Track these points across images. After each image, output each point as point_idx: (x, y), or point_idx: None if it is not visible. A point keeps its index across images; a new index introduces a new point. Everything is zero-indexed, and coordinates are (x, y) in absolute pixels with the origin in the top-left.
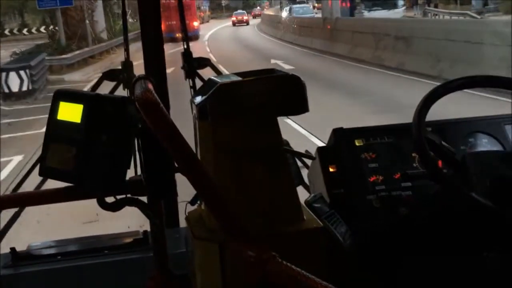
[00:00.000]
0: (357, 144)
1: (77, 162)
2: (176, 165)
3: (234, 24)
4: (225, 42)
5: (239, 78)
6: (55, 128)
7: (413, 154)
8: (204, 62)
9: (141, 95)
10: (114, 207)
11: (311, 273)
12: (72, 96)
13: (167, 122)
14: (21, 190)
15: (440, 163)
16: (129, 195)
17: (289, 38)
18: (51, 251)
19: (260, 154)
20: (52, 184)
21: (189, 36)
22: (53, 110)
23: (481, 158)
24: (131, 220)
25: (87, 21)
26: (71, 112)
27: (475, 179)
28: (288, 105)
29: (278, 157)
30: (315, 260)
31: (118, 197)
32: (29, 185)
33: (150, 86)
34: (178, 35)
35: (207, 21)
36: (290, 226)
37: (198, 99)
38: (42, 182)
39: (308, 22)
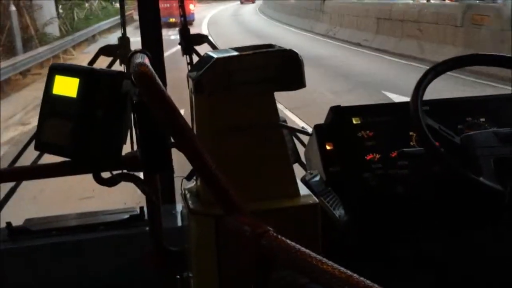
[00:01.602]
0: (354, 122)
1: (73, 136)
2: (172, 140)
3: (242, 2)
4: (228, 28)
5: (236, 53)
6: (51, 102)
7: (411, 133)
8: (202, 38)
9: (137, 68)
10: (110, 183)
11: (306, 249)
12: (68, 70)
13: (163, 95)
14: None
15: (437, 142)
16: (125, 171)
17: (287, 20)
18: (47, 226)
19: (257, 129)
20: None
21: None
22: (49, 84)
23: (480, 139)
24: (127, 197)
25: (12, 8)
26: (67, 86)
27: (476, 160)
28: (285, 80)
29: (274, 133)
30: (311, 236)
31: (114, 172)
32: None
33: (147, 59)
34: (172, 20)
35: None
36: (286, 202)
37: (195, 73)
38: (38, 157)
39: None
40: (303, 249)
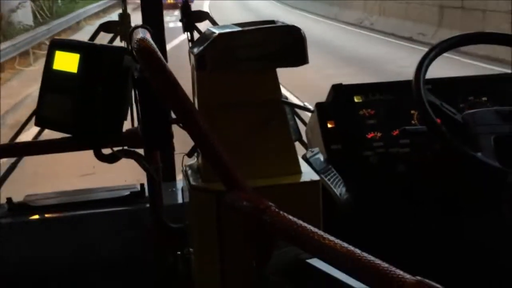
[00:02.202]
0: (356, 100)
1: (74, 112)
2: (173, 117)
3: None
4: (236, 17)
5: (238, 29)
6: (51, 77)
7: (412, 111)
8: (202, 15)
9: (138, 43)
10: (110, 159)
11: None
12: (68, 45)
13: (164, 70)
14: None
15: (439, 120)
16: (125, 147)
17: (303, 6)
18: (48, 202)
19: (258, 105)
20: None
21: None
22: (49, 59)
23: (482, 117)
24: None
25: None
26: (67, 62)
27: (477, 138)
28: (287, 56)
29: (276, 110)
30: (312, 213)
31: (115, 148)
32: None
33: (148, 35)
34: (170, 0)
35: None
36: (287, 178)
37: (196, 49)
38: (39, 133)
39: None
40: (304, 224)
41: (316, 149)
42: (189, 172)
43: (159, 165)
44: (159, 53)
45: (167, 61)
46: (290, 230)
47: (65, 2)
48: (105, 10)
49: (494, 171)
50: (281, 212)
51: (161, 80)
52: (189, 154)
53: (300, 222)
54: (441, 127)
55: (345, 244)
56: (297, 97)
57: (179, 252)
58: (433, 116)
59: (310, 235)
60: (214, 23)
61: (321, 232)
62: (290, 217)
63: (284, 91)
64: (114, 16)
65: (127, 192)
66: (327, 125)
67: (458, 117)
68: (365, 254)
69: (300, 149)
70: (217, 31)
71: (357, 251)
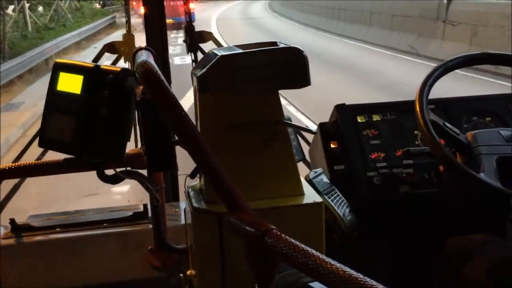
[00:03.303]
0: (359, 120)
1: (77, 133)
2: (176, 138)
3: None
4: (250, 37)
5: (241, 50)
6: (55, 99)
7: (416, 132)
8: (206, 35)
9: (141, 65)
10: (113, 180)
11: (309, 248)
12: (72, 67)
13: (167, 92)
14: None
15: (442, 141)
16: (128, 168)
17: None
18: (51, 222)
19: (261, 127)
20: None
21: (176, 23)
22: (53, 81)
23: (485, 138)
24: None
25: None
26: (71, 83)
27: (480, 159)
28: (289, 78)
29: (279, 131)
30: (314, 235)
31: (118, 169)
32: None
33: (151, 57)
34: (170, 21)
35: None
36: (290, 200)
37: (199, 71)
38: (42, 154)
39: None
40: (306, 247)
41: (319, 170)
42: (191, 193)
43: (162, 186)
44: (161, 75)
45: (170, 82)
46: (291, 253)
47: (37, 28)
48: (89, 38)
49: (496, 192)
50: (283, 235)
51: (163, 102)
52: (192, 175)
53: (302, 245)
54: (444, 148)
55: (347, 269)
56: None
57: (181, 274)
58: (436, 137)
59: (311, 258)
60: (218, 44)
61: (322, 256)
62: (292, 240)
63: (287, 111)
64: (99, 45)
65: (130, 213)
66: (330, 146)
67: (461, 138)
68: (366, 279)
69: (304, 169)
70: (219, 53)
71: (359, 275)
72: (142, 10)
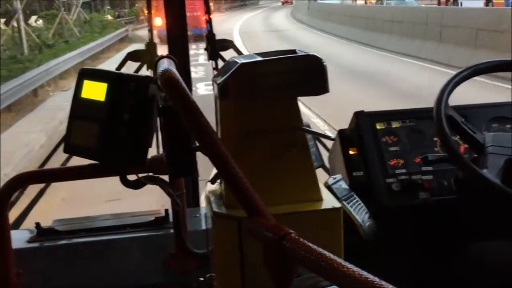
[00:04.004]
0: (378, 127)
1: (101, 139)
2: (197, 144)
3: (283, 3)
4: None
5: (260, 58)
6: (80, 106)
7: (435, 138)
8: (227, 44)
9: (163, 73)
10: (136, 185)
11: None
12: (96, 74)
13: (188, 100)
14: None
15: (462, 148)
16: (151, 174)
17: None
18: (75, 227)
19: (280, 134)
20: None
21: (199, 35)
22: (78, 88)
23: (501, 139)
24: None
25: None
26: (95, 91)
27: (490, 158)
28: (308, 86)
29: (297, 137)
30: (333, 240)
31: (140, 175)
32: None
33: (173, 65)
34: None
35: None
36: (309, 205)
37: (220, 78)
38: (67, 160)
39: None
40: (324, 251)
41: (339, 176)
42: (212, 198)
43: (183, 191)
44: (183, 83)
45: (191, 90)
46: (309, 257)
47: (37, 45)
48: (96, 56)
49: (494, 189)
50: (301, 239)
51: (185, 109)
52: (212, 181)
53: (320, 249)
54: (462, 155)
55: (365, 273)
56: None
57: (201, 278)
58: (446, 129)
59: (329, 262)
60: (238, 52)
61: (340, 260)
62: (310, 244)
63: (306, 118)
64: (105, 66)
65: (151, 218)
66: (349, 152)
67: (477, 136)
68: (384, 283)
69: (323, 176)
70: (239, 60)
71: (376, 279)
72: (157, 21)
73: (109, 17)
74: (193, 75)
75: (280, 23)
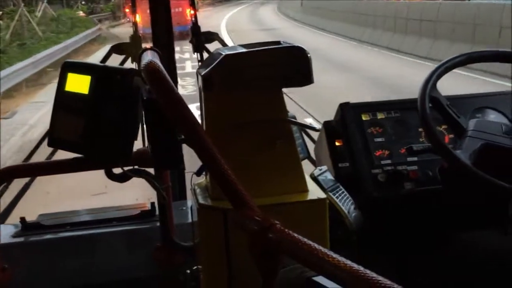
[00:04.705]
0: (363, 118)
1: (85, 133)
2: (182, 136)
3: None
4: None
5: (245, 50)
6: (63, 99)
7: (420, 129)
8: (212, 36)
9: (147, 65)
10: (121, 178)
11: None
12: (80, 67)
13: (172, 92)
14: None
15: (447, 138)
16: (136, 167)
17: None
18: (60, 221)
19: (265, 125)
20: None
21: (181, 32)
22: (61, 81)
23: (482, 125)
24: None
25: None
26: (79, 83)
27: (467, 140)
28: (293, 77)
29: (283, 129)
30: (318, 231)
31: (126, 168)
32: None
33: (157, 57)
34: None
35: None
36: (294, 197)
37: (204, 70)
38: (52, 153)
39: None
40: (308, 242)
41: (324, 167)
42: (198, 190)
43: (168, 184)
44: (166, 75)
45: (177, 82)
46: (294, 247)
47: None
48: (60, 62)
49: (460, 167)
50: (286, 230)
51: (169, 101)
52: (198, 173)
53: (305, 239)
54: (446, 144)
55: (349, 262)
56: None
57: (188, 271)
58: (428, 109)
59: (314, 252)
60: (223, 43)
61: (325, 250)
62: (295, 234)
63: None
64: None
65: (137, 211)
66: (335, 143)
67: (461, 121)
68: (368, 272)
69: (309, 167)
70: (223, 52)
71: (361, 268)
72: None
73: (81, 13)
74: (180, 90)
75: (271, 20)
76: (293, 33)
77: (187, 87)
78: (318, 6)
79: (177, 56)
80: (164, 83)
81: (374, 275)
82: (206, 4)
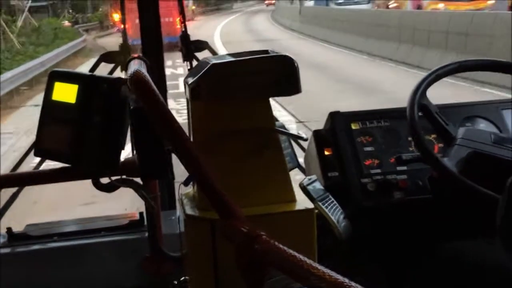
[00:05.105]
0: (353, 127)
1: (72, 142)
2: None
3: (267, 5)
4: None
5: (232, 59)
6: (50, 108)
7: (410, 138)
8: (202, 45)
9: (133, 74)
10: (109, 188)
11: (302, 254)
12: (67, 76)
13: (158, 101)
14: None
15: (436, 148)
16: (124, 176)
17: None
18: (48, 231)
19: (252, 134)
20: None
21: (172, 43)
22: (48, 90)
23: (471, 134)
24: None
25: None
26: (66, 93)
27: (455, 148)
28: (280, 86)
29: (270, 138)
30: (306, 241)
31: (113, 178)
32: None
33: (144, 66)
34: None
35: (191, 19)
36: (281, 207)
37: (191, 79)
38: (39, 163)
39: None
40: (294, 253)
41: (314, 177)
42: (185, 200)
43: (157, 194)
44: (152, 84)
45: (166, 91)
46: (280, 258)
47: None
48: (37, 81)
49: (447, 176)
50: (272, 241)
51: (154, 110)
52: (185, 183)
53: (290, 251)
54: (434, 153)
55: (334, 274)
56: None
57: (175, 282)
58: (416, 117)
59: (300, 264)
60: (213, 52)
61: (310, 261)
62: (280, 245)
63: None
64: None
65: (126, 221)
66: (324, 153)
67: (450, 129)
68: (352, 283)
69: (300, 177)
70: (211, 61)
71: (346, 280)
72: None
73: (67, 23)
74: (175, 115)
75: (267, 30)
76: (294, 45)
77: (183, 112)
78: (317, 15)
79: (169, 71)
80: (149, 93)
81: (357, 286)
82: (197, 14)
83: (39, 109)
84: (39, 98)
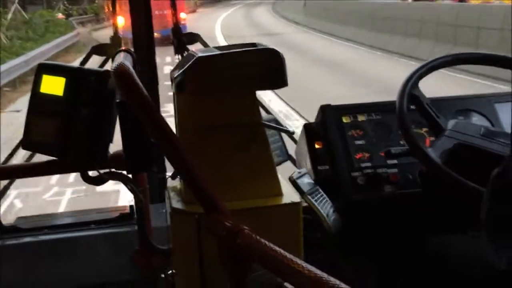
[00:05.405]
0: (344, 121)
1: (60, 135)
2: None
3: None
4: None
5: (219, 52)
6: (38, 101)
7: (400, 132)
8: (194, 37)
9: (116, 67)
10: (97, 181)
11: (288, 248)
12: (55, 69)
13: (141, 94)
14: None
15: (427, 141)
16: (112, 169)
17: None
18: (38, 224)
19: (238, 128)
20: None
21: (167, 36)
22: (36, 83)
23: (461, 126)
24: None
25: None
26: (54, 85)
27: (442, 139)
28: (267, 79)
29: (256, 132)
30: (292, 235)
31: (102, 171)
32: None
33: (129, 59)
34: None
35: (194, 10)
36: (267, 200)
37: (176, 72)
38: (30, 157)
39: None
40: (275, 247)
41: (304, 170)
42: (172, 194)
43: (145, 187)
44: (135, 77)
45: (158, 83)
46: (261, 253)
47: None
48: (22, 80)
49: (433, 168)
50: (254, 235)
51: (137, 104)
52: (173, 176)
53: (271, 245)
54: (422, 147)
55: (313, 269)
56: None
57: (162, 275)
58: (405, 109)
59: (280, 258)
60: (205, 45)
61: (290, 256)
62: (262, 240)
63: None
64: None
65: (117, 214)
66: (314, 146)
67: (440, 121)
68: (331, 279)
69: (291, 169)
70: (197, 54)
71: (325, 275)
72: (119, 20)
73: (60, 15)
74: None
75: (269, 23)
76: (302, 40)
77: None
78: (325, 8)
79: (166, 69)
80: (133, 86)
81: (336, 281)
82: (197, 5)
83: (21, 115)
84: (24, 101)
